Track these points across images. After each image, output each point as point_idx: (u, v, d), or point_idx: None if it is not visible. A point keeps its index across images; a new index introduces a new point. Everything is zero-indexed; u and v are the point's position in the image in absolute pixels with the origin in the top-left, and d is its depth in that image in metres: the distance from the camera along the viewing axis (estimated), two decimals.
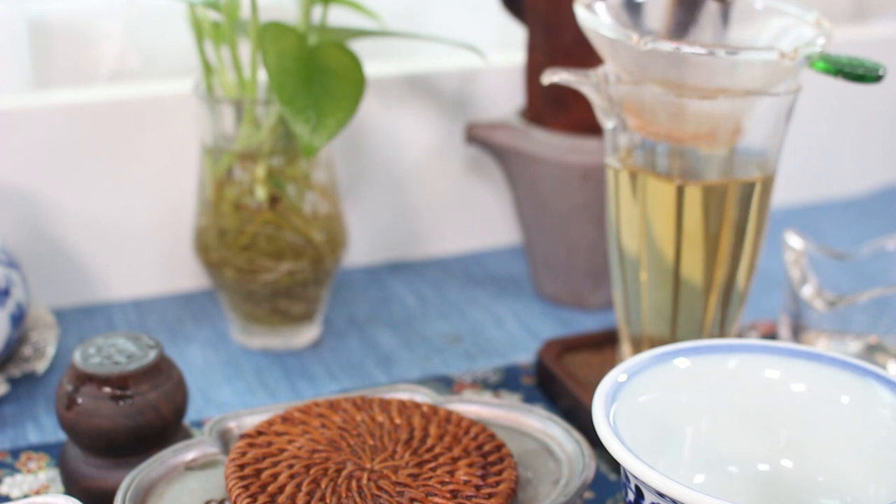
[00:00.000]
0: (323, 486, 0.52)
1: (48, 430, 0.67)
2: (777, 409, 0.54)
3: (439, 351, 0.76)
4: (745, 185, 0.62)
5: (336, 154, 0.79)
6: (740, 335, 0.71)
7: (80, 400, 0.57)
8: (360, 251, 0.87)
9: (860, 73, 0.57)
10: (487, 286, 0.85)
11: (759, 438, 0.54)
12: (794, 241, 0.73)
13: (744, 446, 0.54)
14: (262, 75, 0.72)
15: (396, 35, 0.76)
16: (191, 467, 0.55)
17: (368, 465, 0.53)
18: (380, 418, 0.56)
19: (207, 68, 0.72)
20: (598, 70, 0.62)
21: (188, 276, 0.83)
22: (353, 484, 0.52)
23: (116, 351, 0.59)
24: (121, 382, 0.57)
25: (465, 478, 0.52)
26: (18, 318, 0.68)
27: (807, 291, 0.71)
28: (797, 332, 0.72)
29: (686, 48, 0.57)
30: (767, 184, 0.63)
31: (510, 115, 0.81)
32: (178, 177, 0.80)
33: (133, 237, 0.81)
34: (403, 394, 0.60)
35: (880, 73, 0.57)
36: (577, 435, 0.57)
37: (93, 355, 0.59)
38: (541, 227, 0.80)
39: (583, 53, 0.73)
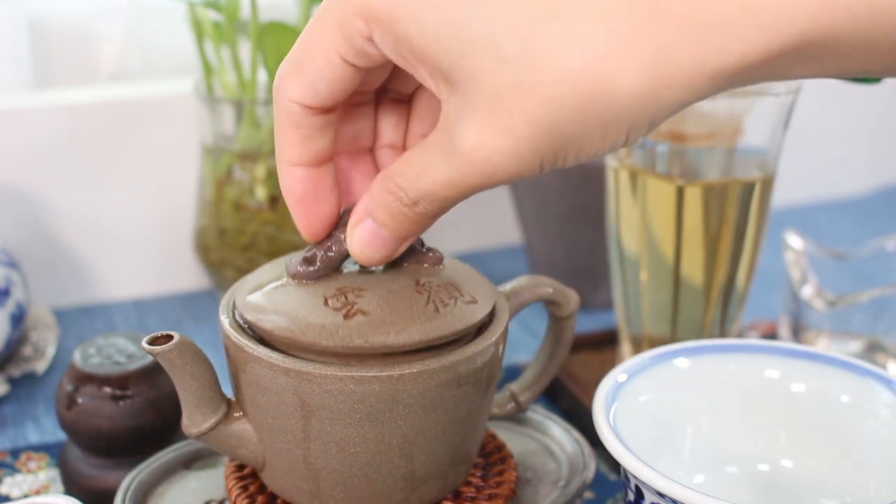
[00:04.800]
0: None
1: (48, 430, 0.67)
2: (777, 409, 0.54)
3: None
4: (745, 185, 0.62)
5: None
6: (740, 335, 0.71)
7: (80, 400, 0.57)
8: None
9: None
10: None
11: (759, 438, 0.54)
12: (794, 241, 0.73)
13: (744, 446, 0.54)
14: (262, 75, 0.72)
15: None
16: (191, 467, 0.55)
17: None
18: None
19: (207, 68, 0.72)
20: None
21: (188, 276, 0.83)
22: None
23: (116, 351, 0.59)
24: (121, 382, 0.57)
25: (465, 478, 0.52)
26: (18, 318, 0.68)
27: (807, 291, 0.71)
28: (797, 332, 0.72)
29: None
30: (767, 184, 0.63)
31: None
32: (178, 177, 0.80)
33: (133, 237, 0.81)
34: None
35: None
36: (577, 435, 0.57)
37: (93, 355, 0.59)
38: (541, 227, 0.80)
39: None
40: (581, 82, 0.38)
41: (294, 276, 0.47)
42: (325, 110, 0.44)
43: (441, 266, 0.48)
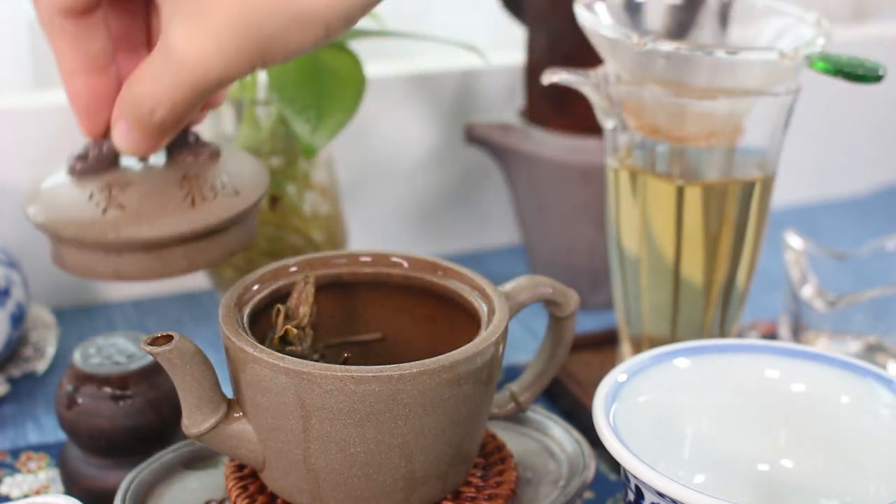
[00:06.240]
0: None
1: (48, 430, 0.67)
2: (777, 409, 0.54)
3: None
4: (745, 185, 0.62)
5: (336, 154, 0.79)
6: (740, 335, 0.71)
7: (80, 400, 0.57)
8: None
9: (860, 73, 0.57)
10: None
11: (759, 438, 0.54)
12: (794, 241, 0.73)
13: (744, 446, 0.54)
14: (262, 75, 0.72)
15: (396, 35, 0.76)
16: (191, 467, 0.55)
17: None
18: None
19: None
20: (598, 70, 0.62)
21: (188, 276, 0.83)
22: None
23: (116, 351, 0.59)
24: (121, 382, 0.57)
25: (465, 478, 0.52)
26: (18, 318, 0.68)
27: (807, 291, 0.71)
28: (797, 332, 0.72)
29: (686, 48, 0.57)
30: (767, 184, 0.63)
31: (510, 115, 0.81)
32: None
33: None
34: None
35: (880, 73, 0.57)
36: (577, 435, 0.57)
37: (93, 355, 0.59)
38: (541, 227, 0.80)
39: (583, 53, 0.73)
40: None
41: (71, 171, 0.50)
42: (84, 11, 0.45)
43: (217, 160, 0.51)
